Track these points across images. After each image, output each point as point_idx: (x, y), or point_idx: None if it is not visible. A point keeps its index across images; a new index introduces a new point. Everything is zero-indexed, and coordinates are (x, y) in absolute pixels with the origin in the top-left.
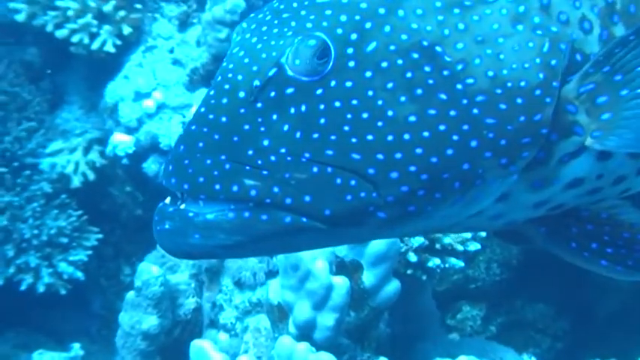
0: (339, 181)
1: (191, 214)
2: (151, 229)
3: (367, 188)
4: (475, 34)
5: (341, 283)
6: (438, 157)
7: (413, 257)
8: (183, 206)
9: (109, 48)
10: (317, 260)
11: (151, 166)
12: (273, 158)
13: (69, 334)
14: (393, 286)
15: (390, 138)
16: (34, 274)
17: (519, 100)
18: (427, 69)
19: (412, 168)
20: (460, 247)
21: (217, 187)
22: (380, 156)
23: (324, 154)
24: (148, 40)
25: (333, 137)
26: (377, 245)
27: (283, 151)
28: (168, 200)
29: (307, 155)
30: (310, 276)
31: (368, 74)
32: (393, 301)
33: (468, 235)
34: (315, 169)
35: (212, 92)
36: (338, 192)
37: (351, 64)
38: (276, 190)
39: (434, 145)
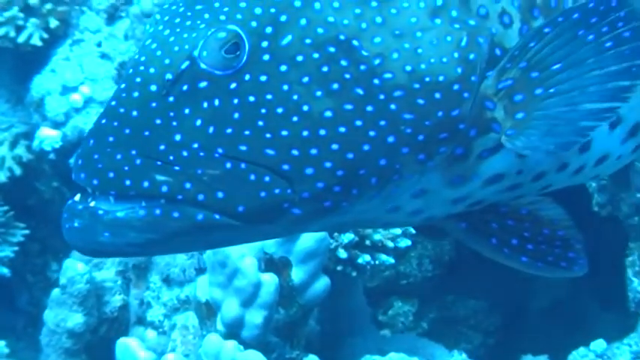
0: (252, 177)
1: (100, 212)
2: None
3: (282, 184)
4: (393, 28)
5: (269, 280)
6: (355, 152)
7: (343, 254)
8: (93, 203)
9: (36, 41)
10: (245, 257)
11: None
12: (185, 153)
13: None
14: (323, 283)
15: (305, 133)
16: None
17: (437, 95)
18: (344, 63)
19: (328, 164)
20: (390, 244)
21: (127, 182)
22: (295, 152)
23: (238, 150)
24: (75, 34)
25: (247, 132)
26: (306, 242)
27: (196, 146)
28: (77, 197)
29: (220, 151)
30: (238, 273)
31: (283, 68)
32: (322, 298)
33: (398, 231)
34: (228, 165)
35: (123, 85)
36: (252, 188)
37: (266, 57)
38: (188, 186)
39: (350, 141)
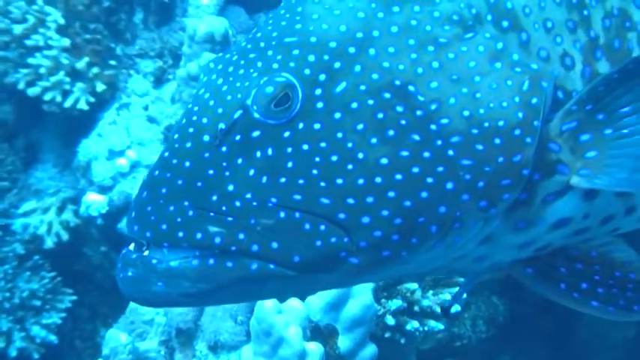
0: (307, 226)
1: (154, 262)
2: None
3: (338, 233)
4: (450, 73)
5: (315, 349)
6: (412, 200)
7: (391, 320)
8: (146, 253)
9: (82, 105)
10: (290, 326)
11: None
12: (238, 204)
13: None
14: (370, 350)
15: (360, 181)
16: (5, 338)
17: (497, 141)
18: (399, 109)
19: (385, 212)
20: (439, 310)
21: (180, 234)
22: (350, 200)
23: (292, 199)
24: (122, 97)
25: (301, 181)
26: (353, 309)
27: (249, 196)
28: (132, 247)
29: (274, 200)
30: (283, 342)
31: (337, 115)
32: None
33: (448, 296)
34: (282, 215)
35: (176, 136)
36: (307, 237)
37: (320, 105)
38: (241, 236)
39: (407, 188)
